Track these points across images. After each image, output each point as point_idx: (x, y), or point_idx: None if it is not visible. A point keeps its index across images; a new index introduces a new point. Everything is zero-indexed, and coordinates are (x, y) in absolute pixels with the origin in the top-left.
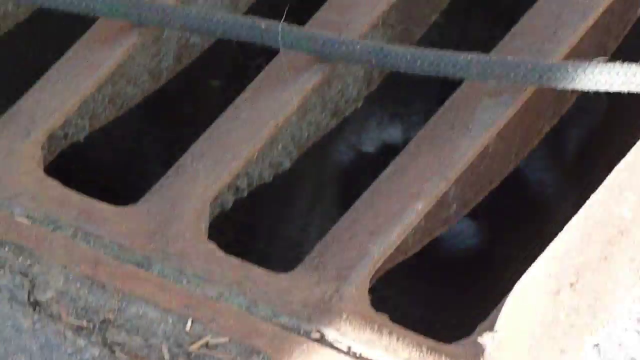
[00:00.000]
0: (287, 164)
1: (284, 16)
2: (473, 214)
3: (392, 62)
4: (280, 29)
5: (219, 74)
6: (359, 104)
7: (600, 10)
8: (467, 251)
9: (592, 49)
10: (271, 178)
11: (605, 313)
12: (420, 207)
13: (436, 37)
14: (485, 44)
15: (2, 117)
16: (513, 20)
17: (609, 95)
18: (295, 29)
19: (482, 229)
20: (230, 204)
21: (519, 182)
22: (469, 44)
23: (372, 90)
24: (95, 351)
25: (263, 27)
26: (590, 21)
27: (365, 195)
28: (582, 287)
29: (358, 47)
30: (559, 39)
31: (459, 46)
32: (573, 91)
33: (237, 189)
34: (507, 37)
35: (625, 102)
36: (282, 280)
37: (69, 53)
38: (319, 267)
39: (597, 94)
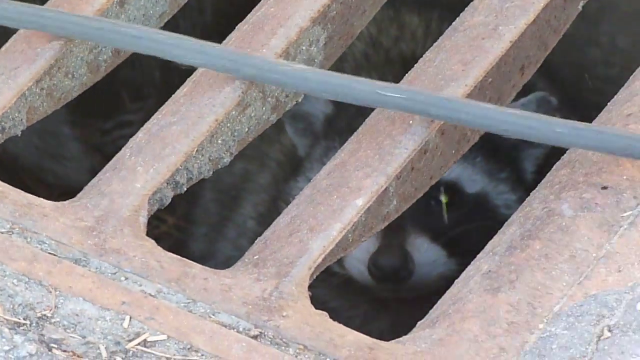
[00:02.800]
0: (227, 159)
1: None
2: (444, 243)
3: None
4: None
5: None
6: (300, 98)
7: (542, 4)
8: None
9: (533, 43)
10: (211, 173)
11: (546, 310)
12: (360, 203)
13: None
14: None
15: None
16: (455, 15)
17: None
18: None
19: (452, 256)
20: (169, 200)
21: (486, 206)
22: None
23: (328, 139)
24: (32, 348)
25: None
26: (531, 16)
27: (306, 191)
28: (522, 284)
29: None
30: (499, 34)
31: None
32: (513, 87)
33: (177, 184)
34: (447, 32)
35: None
36: (221, 277)
37: (6, 46)
38: (259, 264)
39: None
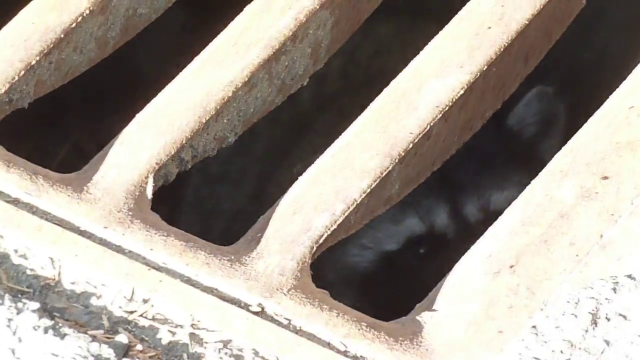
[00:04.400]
0: (231, 139)
1: None
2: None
3: None
4: None
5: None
6: (305, 82)
7: None
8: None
9: (537, 33)
10: (215, 152)
11: (544, 295)
12: (364, 185)
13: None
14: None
15: None
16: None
17: None
18: None
19: None
20: (174, 176)
21: None
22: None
23: None
24: (35, 316)
25: None
26: (537, 6)
27: (310, 171)
28: (522, 269)
29: None
30: (505, 23)
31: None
32: (517, 76)
33: (182, 160)
34: (454, 19)
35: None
36: (224, 252)
37: (17, 18)
38: (262, 241)
39: None
